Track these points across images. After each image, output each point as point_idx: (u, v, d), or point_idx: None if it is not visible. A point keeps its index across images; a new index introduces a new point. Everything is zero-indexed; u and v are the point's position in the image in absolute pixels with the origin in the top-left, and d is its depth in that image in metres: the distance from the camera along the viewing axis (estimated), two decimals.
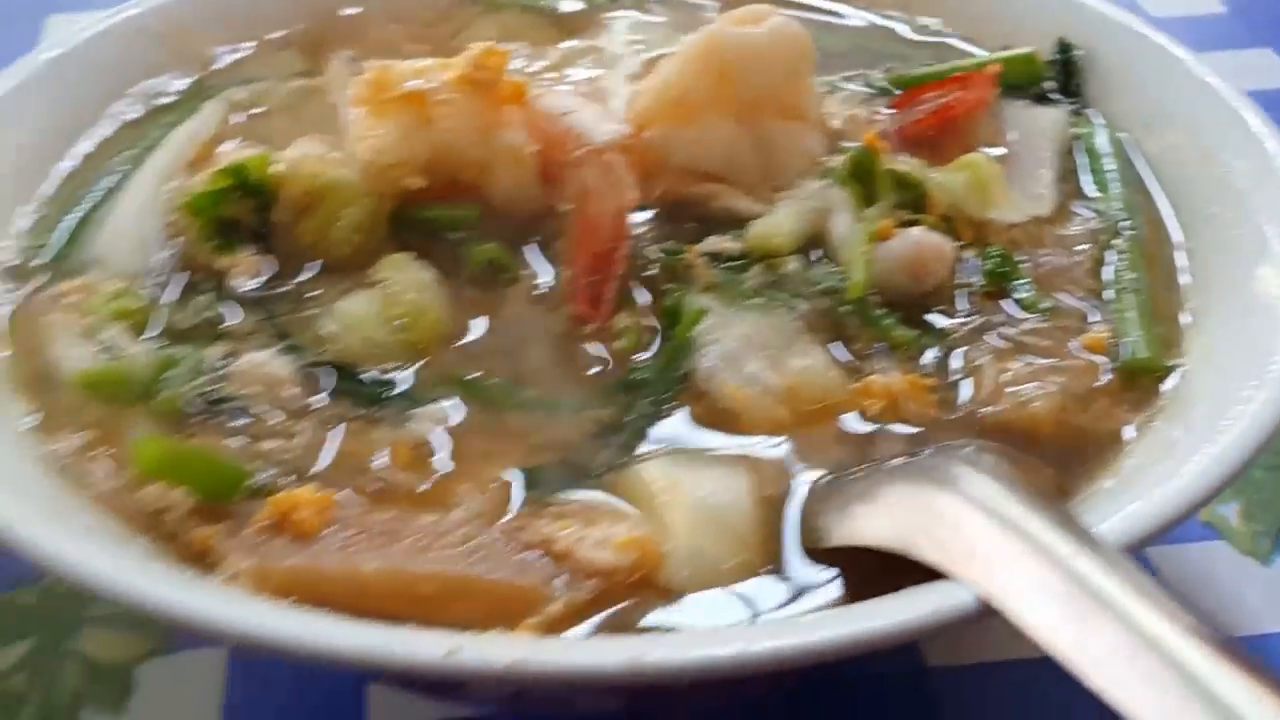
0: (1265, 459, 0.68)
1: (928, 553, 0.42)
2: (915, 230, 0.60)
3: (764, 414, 0.53)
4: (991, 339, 0.57)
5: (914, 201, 0.61)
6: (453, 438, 0.52)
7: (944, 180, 0.63)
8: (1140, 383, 0.55)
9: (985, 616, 0.40)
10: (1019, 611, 0.39)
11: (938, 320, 0.58)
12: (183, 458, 0.48)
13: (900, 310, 0.58)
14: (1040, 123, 0.69)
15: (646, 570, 0.46)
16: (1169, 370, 0.55)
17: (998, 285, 0.59)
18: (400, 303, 0.57)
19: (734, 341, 0.55)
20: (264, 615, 0.40)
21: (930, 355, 0.57)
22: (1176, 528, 0.43)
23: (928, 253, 0.59)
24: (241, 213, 0.61)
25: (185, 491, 0.49)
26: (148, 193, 0.64)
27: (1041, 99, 0.71)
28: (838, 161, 0.63)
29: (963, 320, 0.58)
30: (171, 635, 0.62)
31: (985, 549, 0.41)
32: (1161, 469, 0.47)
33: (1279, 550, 0.65)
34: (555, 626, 0.44)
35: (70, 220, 0.64)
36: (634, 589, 0.46)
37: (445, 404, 0.54)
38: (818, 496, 0.50)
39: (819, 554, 0.48)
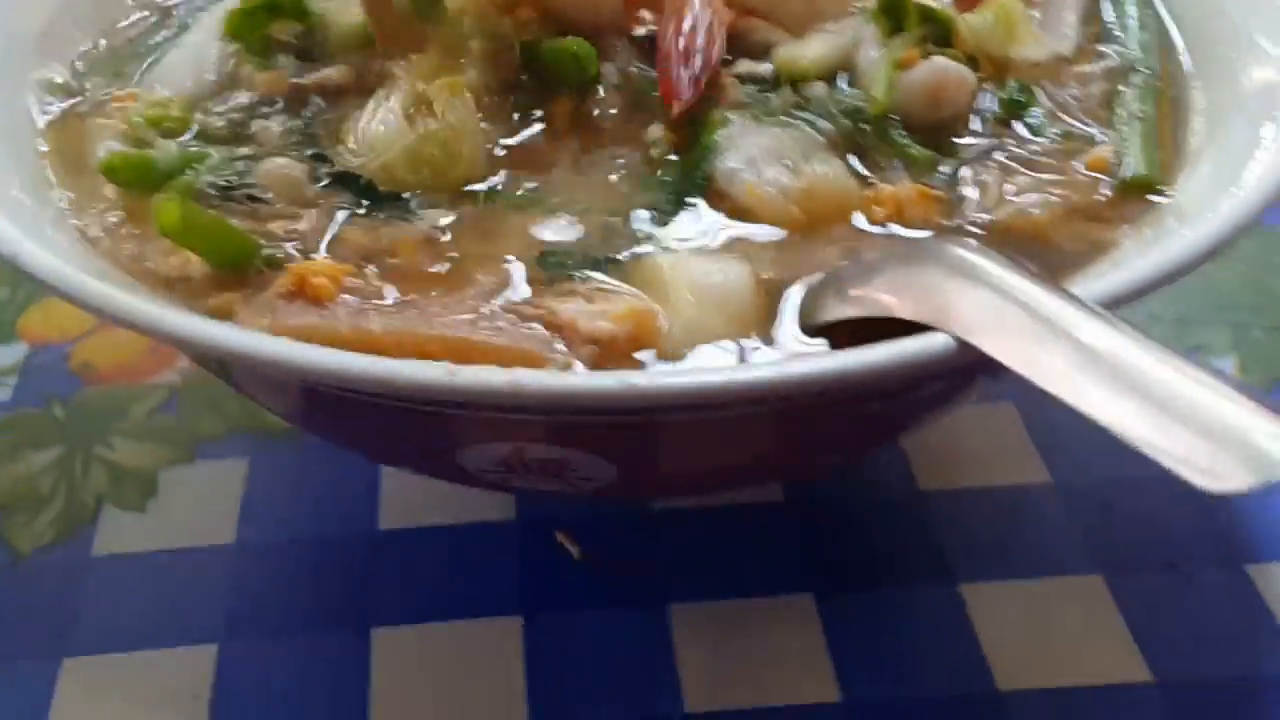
0: (1268, 320, 0.70)
1: (912, 310, 0.44)
2: (938, 59, 0.61)
3: (779, 212, 0.54)
4: (1000, 157, 0.59)
5: (941, 37, 0.62)
6: (469, 234, 0.54)
7: (971, 19, 0.64)
8: (1138, 199, 0.56)
9: (963, 354, 0.41)
10: (987, 343, 0.41)
11: (953, 142, 0.60)
12: (200, 221, 0.50)
13: (918, 134, 0.59)
14: None
15: (643, 339, 0.48)
16: (1164, 188, 0.56)
17: (1013, 113, 0.61)
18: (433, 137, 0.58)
19: (755, 149, 0.57)
20: (280, 345, 0.42)
21: (942, 171, 0.58)
22: (1151, 290, 0.45)
23: (949, 79, 0.60)
24: (280, 31, 0.63)
25: (202, 259, 0.51)
26: (209, 27, 0.66)
27: None
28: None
29: (976, 142, 0.59)
30: (193, 445, 0.65)
31: (964, 299, 0.43)
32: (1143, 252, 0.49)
33: (1272, 398, 0.66)
34: None
35: (129, 50, 0.67)
36: (632, 356, 0.48)
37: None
38: (817, 284, 0.51)
39: (815, 332, 0.49)
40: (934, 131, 0.60)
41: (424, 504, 0.61)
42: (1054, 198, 0.57)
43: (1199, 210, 0.51)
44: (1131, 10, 0.67)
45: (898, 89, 0.59)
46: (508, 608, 0.58)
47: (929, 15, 0.62)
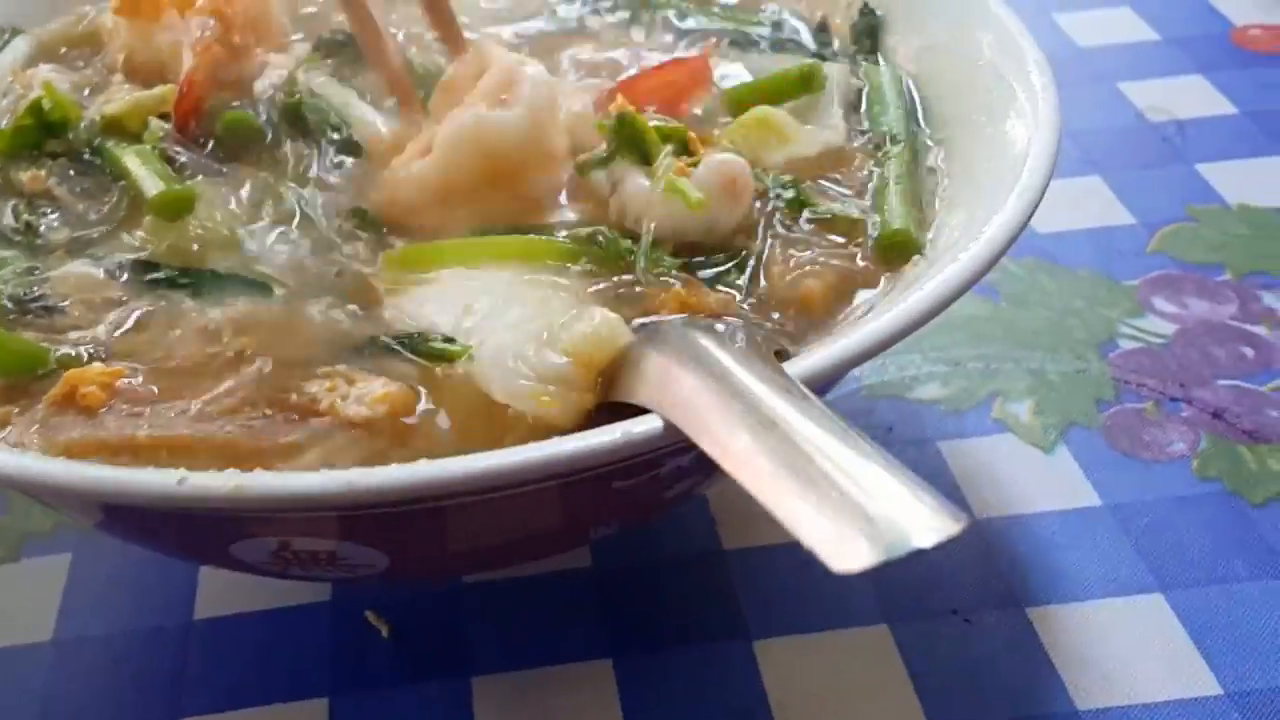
0: (1061, 363, 0.73)
1: (641, 397, 0.47)
2: (716, 154, 0.61)
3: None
4: (780, 246, 0.61)
5: (686, 151, 0.62)
6: (243, 326, 0.56)
7: (731, 131, 0.67)
8: (895, 258, 0.59)
9: (669, 436, 0.44)
10: (687, 426, 0.43)
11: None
12: None
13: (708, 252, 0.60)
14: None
15: (400, 421, 0.51)
16: (918, 243, 0.59)
17: (795, 210, 0.62)
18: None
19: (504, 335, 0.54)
20: (22, 461, 0.45)
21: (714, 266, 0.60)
22: (849, 370, 0.48)
23: (736, 168, 0.60)
24: (44, 141, 0.67)
25: None
26: None
27: (820, 57, 0.74)
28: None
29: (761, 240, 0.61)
30: (20, 543, 0.67)
31: (680, 385, 0.46)
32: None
33: (1062, 440, 0.69)
34: None
35: None
36: (393, 440, 0.50)
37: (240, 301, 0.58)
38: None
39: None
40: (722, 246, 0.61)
41: (241, 591, 0.63)
42: (820, 269, 0.59)
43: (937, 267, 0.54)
44: (889, 95, 0.70)
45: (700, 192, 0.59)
46: (316, 689, 0.59)
47: (666, 135, 0.62)
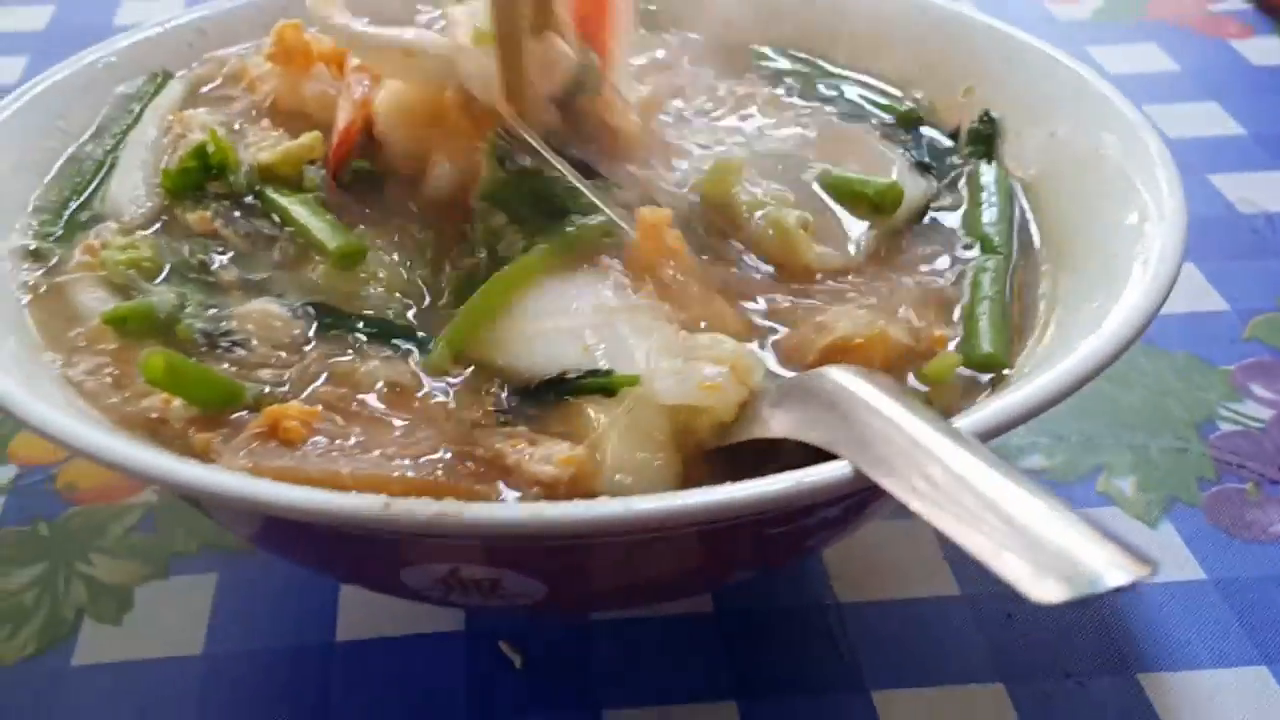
0: (1162, 441, 0.76)
1: (814, 437, 0.50)
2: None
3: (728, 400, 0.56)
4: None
5: None
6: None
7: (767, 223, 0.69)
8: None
9: (859, 484, 0.47)
10: (886, 480, 0.46)
11: None
12: (184, 369, 0.56)
13: None
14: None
15: (584, 480, 0.54)
16: (1006, 366, 0.61)
17: None
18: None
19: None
20: (242, 481, 0.48)
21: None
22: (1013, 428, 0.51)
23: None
24: (205, 183, 0.71)
25: (184, 403, 0.57)
26: (135, 157, 0.74)
27: (923, 168, 0.76)
28: None
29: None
30: (167, 562, 0.70)
31: (862, 434, 0.49)
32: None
33: (1166, 516, 0.72)
34: None
35: (73, 196, 0.73)
36: (574, 495, 0.53)
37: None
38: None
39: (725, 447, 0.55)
40: None
41: (380, 616, 0.66)
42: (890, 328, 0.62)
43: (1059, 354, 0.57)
44: (992, 199, 0.72)
45: None
46: (452, 714, 0.62)
47: None
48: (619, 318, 0.59)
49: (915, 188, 0.74)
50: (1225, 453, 0.76)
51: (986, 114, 0.78)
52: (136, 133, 0.77)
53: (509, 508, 0.47)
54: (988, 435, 0.50)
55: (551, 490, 0.53)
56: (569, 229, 0.63)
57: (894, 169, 0.74)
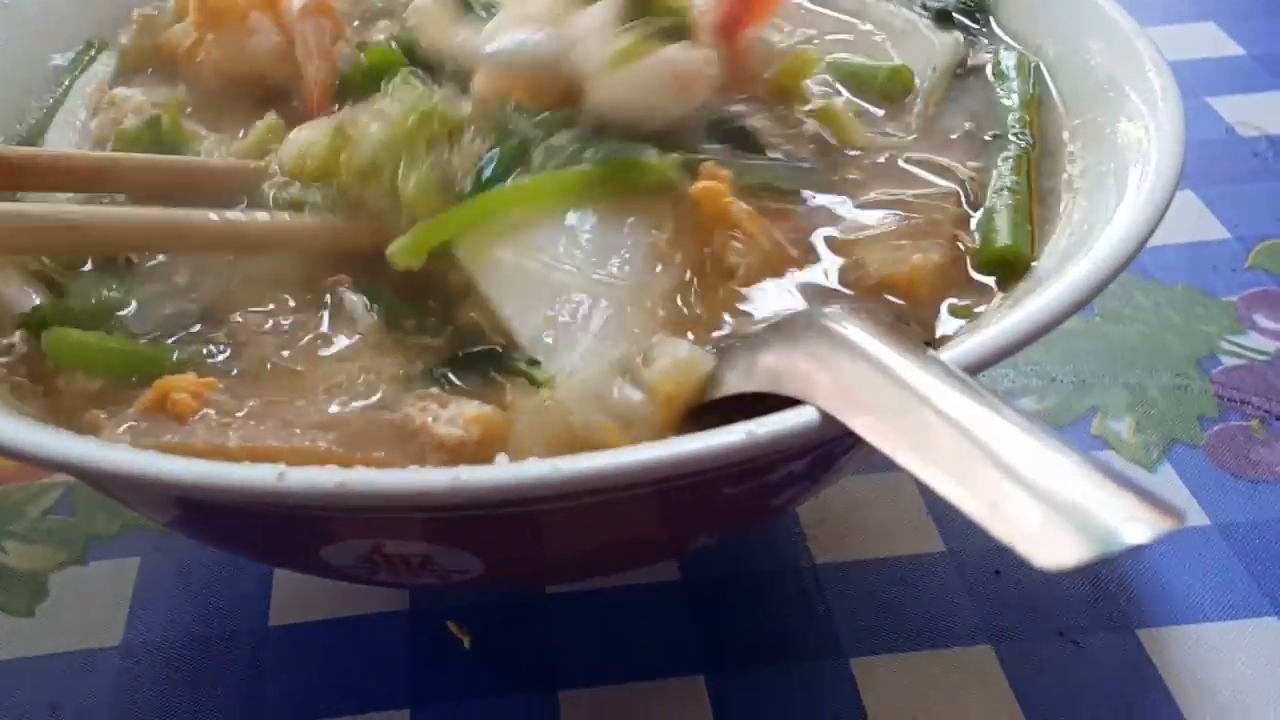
0: (1160, 379, 0.71)
1: (787, 387, 0.44)
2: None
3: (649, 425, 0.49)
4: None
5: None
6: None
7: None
8: (1004, 268, 0.57)
9: (826, 433, 0.42)
10: (853, 420, 0.41)
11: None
12: (89, 340, 0.52)
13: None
14: (930, 51, 0.71)
15: (493, 443, 0.49)
16: (1029, 260, 0.56)
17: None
18: None
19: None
20: (121, 453, 0.43)
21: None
22: (1006, 356, 0.45)
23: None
24: None
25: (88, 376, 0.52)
26: (64, 142, 0.68)
27: (945, 17, 0.74)
28: None
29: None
30: (85, 546, 0.65)
31: (834, 374, 0.43)
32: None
33: (1166, 459, 0.66)
34: None
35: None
36: (483, 457, 0.48)
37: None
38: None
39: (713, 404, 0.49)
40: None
41: (317, 598, 0.61)
42: (931, 252, 0.57)
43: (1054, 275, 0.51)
44: (1013, 84, 0.68)
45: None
46: (396, 700, 0.57)
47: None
48: (608, 295, 0.53)
49: (943, 46, 0.71)
50: (1228, 389, 0.70)
51: None
52: (64, 113, 0.70)
53: (420, 475, 0.41)
54: (976, 368, 0.45)
55: (456, 455, 0.48)
56: (636, 156, 0.57)
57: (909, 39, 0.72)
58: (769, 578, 0.62)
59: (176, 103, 0.69)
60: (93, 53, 0.75)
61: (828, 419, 0.42)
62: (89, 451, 0.43)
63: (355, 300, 0.56)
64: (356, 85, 0.66)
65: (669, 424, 0.48)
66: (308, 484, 0.41)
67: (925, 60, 0.70)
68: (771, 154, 0.62)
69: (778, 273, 0.56)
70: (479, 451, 0.49)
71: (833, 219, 0.59)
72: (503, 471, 0.41)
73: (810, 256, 0.57)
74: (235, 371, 0.53)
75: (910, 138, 0.66)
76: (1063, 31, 0.69)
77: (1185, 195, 0.85)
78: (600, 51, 0.59)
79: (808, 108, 0.65)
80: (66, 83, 0.72)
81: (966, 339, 0.46)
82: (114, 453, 0.43)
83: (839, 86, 0.69)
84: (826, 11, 0.77)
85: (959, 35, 0.73)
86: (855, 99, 0.68)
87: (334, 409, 0.51)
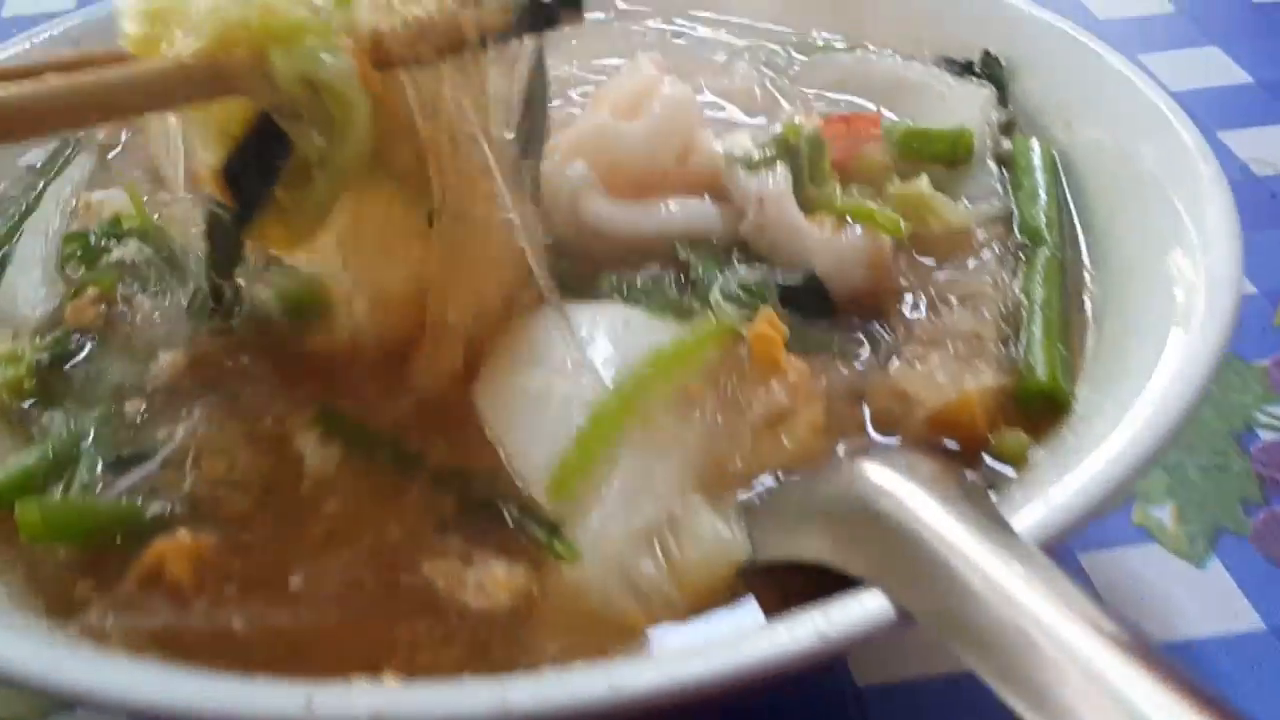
0: (1199, 457, 0.68)
1: (849, 564, 0.42)
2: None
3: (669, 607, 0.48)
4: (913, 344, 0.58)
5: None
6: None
7: (898, 199, 0.65)
8: (1044, 401, 0.55)
9: (905, 627, 0.39)
10: (933, 626, 0.38)
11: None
12: (63, 512, 0.48)
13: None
14: (974, 104, 0.69)
15: (522, 613, 0.46)
16: (1068, 398, 0.54)
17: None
18: None
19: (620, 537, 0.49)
20: (120, 675, 0.39)
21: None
22: (1092, 521, 0.43)
23: (886, 245, 0.61)
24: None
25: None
26: (34, 250, 0.64)
27: (968, 70, 0.73)
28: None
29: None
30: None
31: (904, 560, 0.40)
32: (1072, 460, 0.46)
33: (1213, 552, 0.63)
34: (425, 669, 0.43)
35: None
36: (509, 630, 0.45)
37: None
38: (747, 513, 0.49)
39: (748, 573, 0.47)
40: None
41: None
42: (980, 377, 0.55)
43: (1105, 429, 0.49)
44: (1040, 179, 0.65)
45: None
46: None
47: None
48: (632, 444, 0.50)
49: (985, 100, 0.72)
50: (1270, 468, 0.67)
51: (987, 53, 0.74)
52: (36, 219, 0.66)
53: (467, 695, 0.38)
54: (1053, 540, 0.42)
55: (485, 624, 0.46)
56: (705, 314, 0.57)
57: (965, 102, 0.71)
58: (809, 706, 0.59)
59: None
60: (68, 152, 0.70)
61: (903, 614, 0.39)
62: (98, 681, 0.38)
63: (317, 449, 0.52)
64: None
65: (696, 609, 0.46)
66: (341, 712, 0.37)
67: (979, 117, 0.68)
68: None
69: (822, 423, 0.53)
70: (509, 622, 0.46)
71: (883, 364, 0.57)
72: (556, 687, 0.38)
73: (859, 405, 0.54)
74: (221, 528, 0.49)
75: (997, 203, 0.65)
76: (1091, 114, 0.66)
77: None
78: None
79: (893, 190, 0.65)
80: (40, 186, 0.67)
81: (1033, 504, 0.44)
82: (124, 675, 0.39)
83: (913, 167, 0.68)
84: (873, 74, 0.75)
85: (990, 89, 0.71)
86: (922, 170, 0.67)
87: (342, 570, 0.47)
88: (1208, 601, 0.61)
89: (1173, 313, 0.52)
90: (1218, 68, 1.00)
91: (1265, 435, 0.69)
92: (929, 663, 0.60)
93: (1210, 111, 0.94)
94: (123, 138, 0.73)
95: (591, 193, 0.60)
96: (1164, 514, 0.65)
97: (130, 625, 0.44)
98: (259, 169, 0.49)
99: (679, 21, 0.85)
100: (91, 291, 0.60)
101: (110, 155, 0.72)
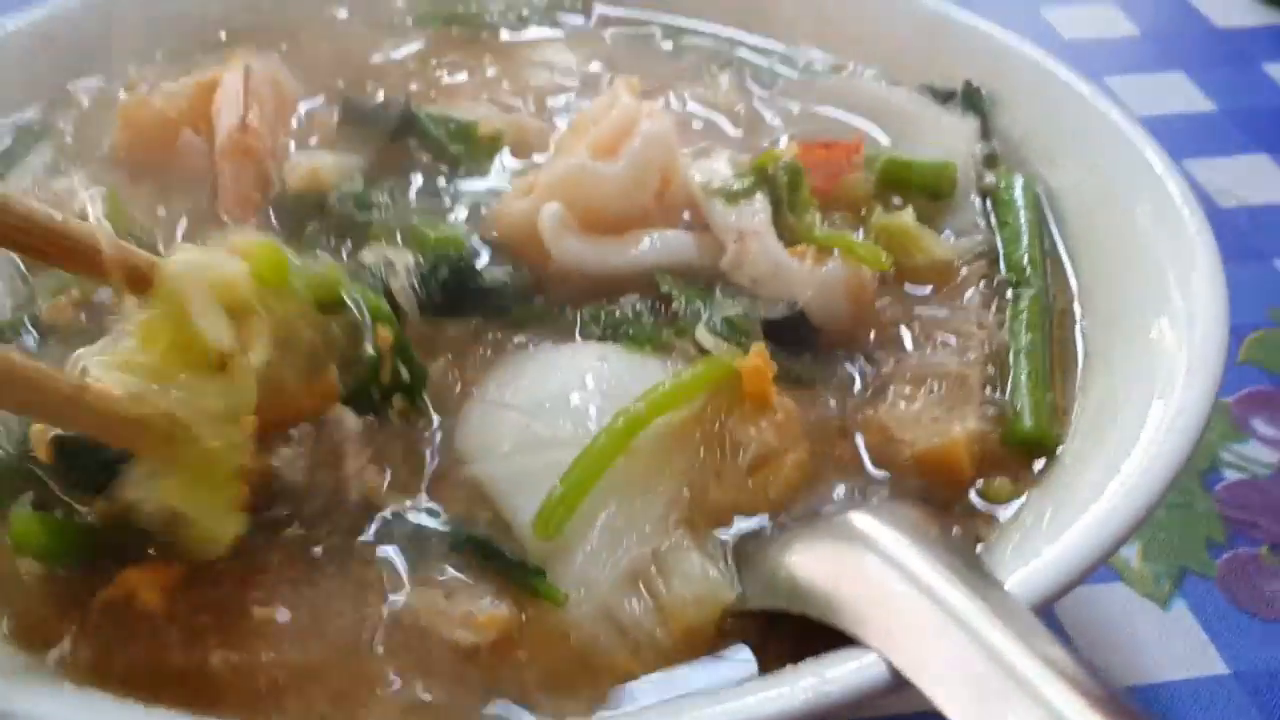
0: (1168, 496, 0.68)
1: (844, 621, 0.42)
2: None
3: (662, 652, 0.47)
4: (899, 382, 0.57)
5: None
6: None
7: (879, 229, 0.65)
8: (1030, 446, 0.55)
9: (899, 688, 0.39)
10: (933, 690, 0.38)
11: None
12: (64, 527, 0.46)
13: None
14: (958, 136, 0.70)
15: (506, 648, 0.46)
16: (1055, 442, 0.55)
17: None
18: None
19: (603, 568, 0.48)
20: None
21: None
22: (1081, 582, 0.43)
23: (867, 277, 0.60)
24: None
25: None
26: None
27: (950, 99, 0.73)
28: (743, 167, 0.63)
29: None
30: None
31: (900, 619, 0.40)
32: (1061, 519, 0.47)
33: (1179, 593, 0.64)
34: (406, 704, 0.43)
35: None
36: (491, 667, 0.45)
37: None
38: (736, 556, 0.49)
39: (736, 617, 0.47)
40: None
41: None
42: (966, 423, 0.55)
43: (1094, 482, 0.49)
44: (1023, 216, 0.65)
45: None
46: None
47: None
48: (614, 480, 0.49)
49: (969, 131, 0.72)
50: (1233, 508, 0.68)
51: (969, 83, 0.74)
52: None
53: None
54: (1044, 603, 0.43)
55: (469, 660, 0.45)
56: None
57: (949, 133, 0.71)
58: None
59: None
60: (29, 141, 0.68)
61: (897, 675, 0.39)
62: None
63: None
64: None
65: (684, 651, 0.46)
66: None
67: (963, 149, 0.68)
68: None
69: (809, 464, 0.53)
70: (491, 659, 0.46)
71: (867, 399, 0.57)
72: None
73: (845, 441, 0.54)
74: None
75: (980, 238, 0.65)
76: (1076, 154, 0.67)
77: None
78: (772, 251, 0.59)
79: (875, 220, 0.65)
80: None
81: (1026, 566, 0.44)
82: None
83: (894, 197, 0.68)
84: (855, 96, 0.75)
85: (974, 120, 0.71)
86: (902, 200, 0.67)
87: (317, 601, 0.46)
88: (1173, 643, 0.62)
89: (1155, 387, 0.52)
90: (1182, 94, 1.01)
91: (1229, 474, 0.70)
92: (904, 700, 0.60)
93: (1175, 139, 0.94)
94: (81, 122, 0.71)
95: (565, 232, 0.59)
96: (1130, 553, 0.66)
97: (98, 657, 0.42)
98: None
99: (661, 28, 0.84)
100: (74, 292, 0.58)
101: (68, 140, 0.70)
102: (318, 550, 0.48)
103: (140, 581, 0.45)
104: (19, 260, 0.60)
